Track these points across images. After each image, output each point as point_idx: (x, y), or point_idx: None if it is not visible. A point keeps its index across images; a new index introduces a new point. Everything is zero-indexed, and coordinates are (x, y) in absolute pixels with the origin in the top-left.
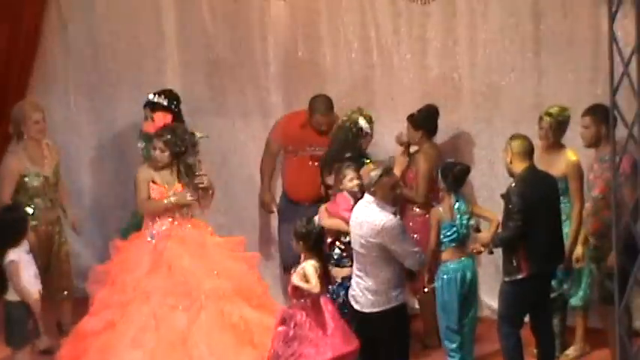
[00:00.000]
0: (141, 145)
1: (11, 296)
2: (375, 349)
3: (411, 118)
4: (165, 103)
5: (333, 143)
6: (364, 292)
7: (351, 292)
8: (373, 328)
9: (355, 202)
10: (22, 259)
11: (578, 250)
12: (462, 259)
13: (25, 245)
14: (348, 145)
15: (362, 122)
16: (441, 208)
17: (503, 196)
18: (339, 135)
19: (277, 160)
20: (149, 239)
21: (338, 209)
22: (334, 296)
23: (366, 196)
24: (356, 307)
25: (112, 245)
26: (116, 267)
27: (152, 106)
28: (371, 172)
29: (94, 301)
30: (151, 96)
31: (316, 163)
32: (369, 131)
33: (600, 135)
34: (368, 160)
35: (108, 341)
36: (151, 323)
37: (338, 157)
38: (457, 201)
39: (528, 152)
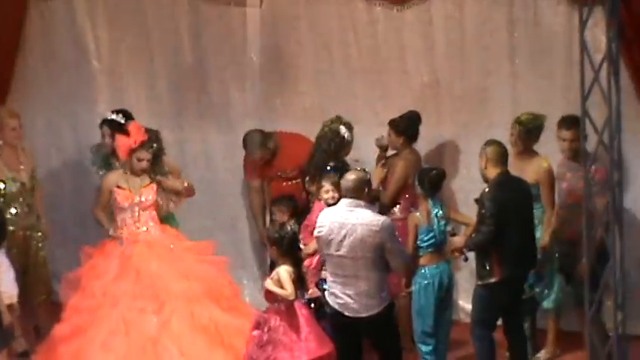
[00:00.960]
0: (100, 170)
1: None
2: (360, 352)
3: (393, 124)
4: (122, 121)
5: (316, 152)
6: (357, 297)
7: (336, 301)
8: (368, 330)
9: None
10: (2, 263)
11: (546, 238)
12: (440, 263)
13: (3, 249)
14: (331, 155)
15: (343, 131)
16: (418, 214)
17: (477, 200)
18: (322, 145)
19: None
20: (118, 244)
21: (313, 218)
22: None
23: (347, 201)
24: (348, 314)
25: (83, 252)
26: (86, 273)
27: (109, 124)
28: (351, 175)
29: (66, 307)
30: (109, 115)
31: (290, 182)
32: (350, 139)
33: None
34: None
35: (79, 347)
36: (120, 327)
37: (322, 166)
38: (435, 206)
39: (502, 158)
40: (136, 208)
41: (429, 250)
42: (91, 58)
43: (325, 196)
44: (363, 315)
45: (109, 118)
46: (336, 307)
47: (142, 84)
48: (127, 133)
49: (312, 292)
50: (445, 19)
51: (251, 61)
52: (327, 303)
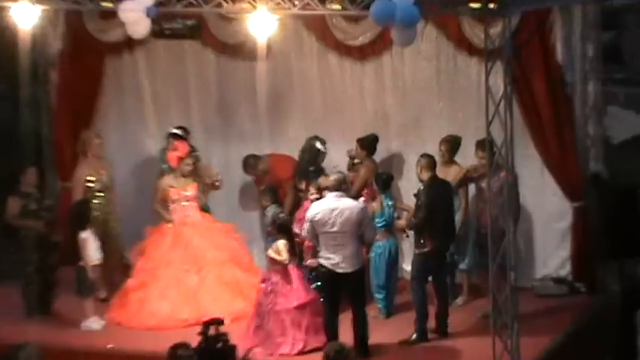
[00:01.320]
0: (164, 166)
1: (81, 262)
2: (339, 302)
3: (360, 141)
4: (181, 133)
5: (301, 160)
6: (345, 259)
7: (329, 262)
8: (350, 281)
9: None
10: (88, 238)
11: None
12: (389, 239)
13: (91, 227)
14: (311, 162)
15: (318, 145)
16: (374, 204)
17: (415, 195)
18: (304, 155)
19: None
20: (169, 225)
21: (302, 212)
22: None
23: (334, 193)
24: (338, 270)
25: (146, 231)
26: (148, 245)
27: (174, 136)
28: (334, 175)
29: (135, 268)
30: (172, 129)
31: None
32: (324, 151)
33: None
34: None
35: (143, 295)
36: (172, 283)
37: (305, 170)
38: (386, 199)
39: (432, 166)
40: (183, 201)
41: (382, 229)
42: (146, 97)
43: (311, 197)
44: (349, 270)
45: (172, 131)
46: (330, 267)
47: (181, 115)
48: (175, 148)
49: (311, 262)
50: (392, 70)
51: (258, 100)
52: (321, 265)
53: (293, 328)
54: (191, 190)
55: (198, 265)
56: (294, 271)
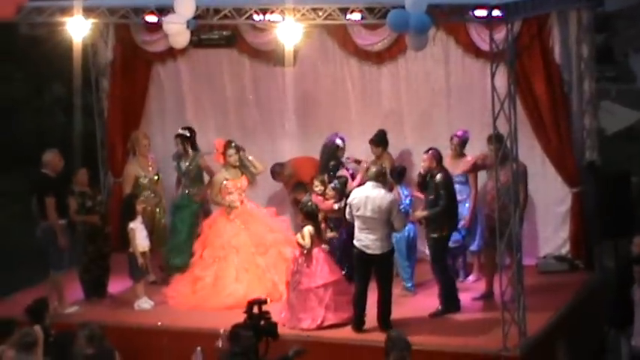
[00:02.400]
0: (175, 163)
1: (131, 249)
2: (368, 280)
3: (372, 141)
4: (188, 134)
5: (322, 155)
6: (374, 241)
7: (361, 243)
8: (378, 262)
9: (324, 198)
10: (137, 227)
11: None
12: (407, 224)
13: (139, 218)
14: (330, 156)
15: (337, 141)
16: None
17: (420, 184)
18: (325, 150)
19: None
20: (235, 207)
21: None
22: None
23: (371, 183)
24: (368, 252)
25: (204, 223)
26: (210, 235)
27: (180, 137)
28: (372, 167)
29: (201, 256)
30: (181, 131)
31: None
32: (342, 146)
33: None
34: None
35: (219, 282)
36: (244, 266)
37: (326, 164)
38: (402, 189)
39: (440, 159)
40: (238, 191)
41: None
42: (187, 100)
43: (316, 189)
44: (378, 252)
45: (180, 132)
46: (361, 247)
47: (218, 117)
48: (215, 148)
49: (331, 235)
50: (406, 72)
51: (287, 103)
52: (354, 246)
53: (314, 305)
54: (243, 181)
55: (263, 248)
56: (320, 253)
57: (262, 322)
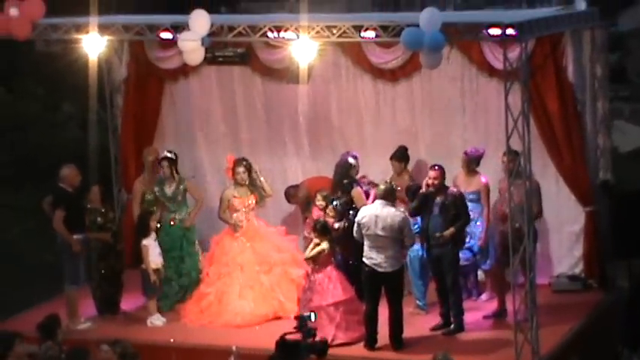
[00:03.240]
0: (157, 189)
1: (143, 265)
2: (378, 298)
3: (394, 157)
4: (174, 157)
5: (335, 174)
6: (386, 260)
7: (372, 262)
8: (389, 280)
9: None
10: (150, 244)
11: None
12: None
13: (153, 235)
14: (344, 174)
15: (350, 159)
16: (406, 213)
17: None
18: (339, 169)
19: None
20: (239, 228)
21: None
22: None
23: (380, 202)
24: (379, 270)
25: (212, 240)
26: (215, 252)
27: (169, 160)
28: (381, 185)
29: (207, 273)
30: (168, 154)
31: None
32: (355, 164)
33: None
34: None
35: (224, 298)
36: (249, 283)
37: (340, 181)
38: None
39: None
40: (246, 209)
41: (415, 234)
42: (199, 117)
43: (318, 203)
44: (389, 270)
45: (166, 156)
46: (372, 265)
47: (229, 133)
48: (227, 163)
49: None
50: (421, 90)
51: (300, 120)
52: (364, 264)
53: (325, 323)
54: (252, 199)
55: (268, 266)
56: (332, 272)
57: (312, 339)
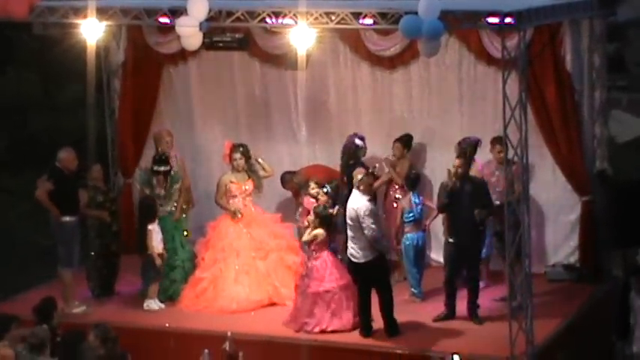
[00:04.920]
0: (141, 179)
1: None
2: (369, 287)
3: (400, 140)
4: (167, 166)
5: (343, 155)
6: (357, 250)
7: (349, 252)
8: (366, 271)
9: (316, 201)
10: (154, 229)
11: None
12: (418, 232)
13: (156, 221)
14: (350, 156)
15: (357, 141)
16: (404, 202)
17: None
18: (345, 151)
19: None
20: (238, 215)
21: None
22: None
23: (356, 191)
24: (354, 260)
25: (209, 225)
26: (212, 237)
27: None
28: (357, 174)
29: (203, 258)
30: (163, 168)
31: None
32: (362, 146)
33: None
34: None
35: (219, 283)
36: (244, 269)
37: (346, 164)
38: (414, 196)
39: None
40: (243, 195)
41: (410, 223)
42: (197, 102)
43: (312, 191)
44: (361, 261)
45: (159, 169)
46: (349, 256)
47: (227, 118)
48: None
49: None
50: (419, 77)
51: (297, 106)
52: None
53: (320, 310)
54: (249, 185)
55: (264, 252)
56: (329, 257)
57: None
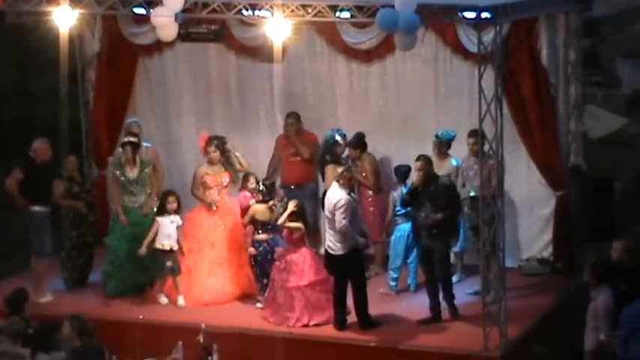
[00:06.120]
0: (118, 172)
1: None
2: (345, 279)
3: (350, 144)
4: (137, 141)
5: (322, 149)
6: (333, 242)
7: (326, 244)
8: (341, 263)
9: (252, 196)
10: (161, 222)
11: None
12: (408, 223)
13: (171, 215)
14: (327, 151)
15: (337, 137)
16: (395, 193)
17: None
18: (324, 144)
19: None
20: (214, 208)
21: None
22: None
23: (334, 184)
24: (330, 252)
25: (185, 216)
26: (188, 229)
27: (133, 145)
28: (337, 169)
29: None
30: (131, 138)
31: (292, 159)
32: (341, 142)
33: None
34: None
35: (194, 275)
36: (218, 261)
37: (323, 159)
38: (405, 188)
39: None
40: (219, 187)
41: (401, 215)
42: (172, 94)
43: (250, 186)
44: (338, 253)
45: (130, 140)
46: (326, 247)
47: (202, 110)
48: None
49: (250, 251)
50: (395, 71)
51: (273, 98)
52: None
53: (300, 304)
54: (225, 178)
55: (238, 244)
56: (307, 252)
57: None
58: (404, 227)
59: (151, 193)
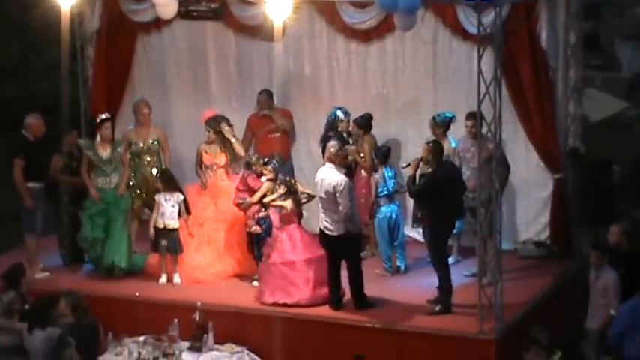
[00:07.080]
0: (90, 153)
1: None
2: (340, 260)
3: (356, 122)
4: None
5: (325, 127)
6: (330, 223)
7: (322, 224)
8: (339, 243)
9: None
10: (159, 201)
11: None
12: (391, 205)
13: (175, 195)
14: (330, 128)
15: (339, 113)
16: (377, 175)
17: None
18: (327, 121)
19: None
20: (203, 189)
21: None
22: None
23: (327, 163)
24: (327, 232)
25: (185, 191)
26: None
27: (111, 122)
28: (331, 148)
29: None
30: (107, 115)
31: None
32: (343, 118)
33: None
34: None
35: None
36: (205, 239)
37: (326, 136)
38: (387, 170)
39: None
40: (214, 167)
41: (383, 197)
42: (169, 73)
43: (257, 170)
44: (335, 234)
45: (107, 117)
46: (322, 228)
47: (201, 89)
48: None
49: (254, 229)
50: (393, 52)
51: (272, 77)
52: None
53: (293, 282)
54: (221, 159)
55: (226, 224)
56: (295, 230)
57: None
58: (386, 209)
59: (124, 174)
